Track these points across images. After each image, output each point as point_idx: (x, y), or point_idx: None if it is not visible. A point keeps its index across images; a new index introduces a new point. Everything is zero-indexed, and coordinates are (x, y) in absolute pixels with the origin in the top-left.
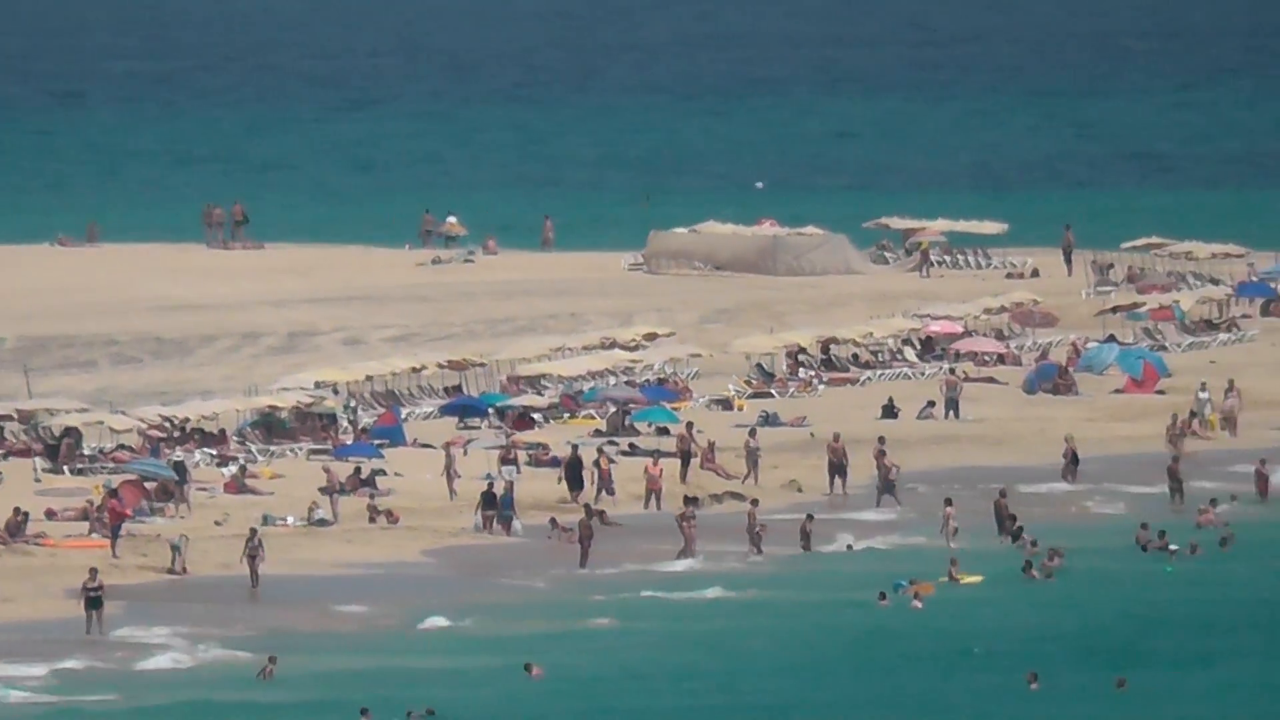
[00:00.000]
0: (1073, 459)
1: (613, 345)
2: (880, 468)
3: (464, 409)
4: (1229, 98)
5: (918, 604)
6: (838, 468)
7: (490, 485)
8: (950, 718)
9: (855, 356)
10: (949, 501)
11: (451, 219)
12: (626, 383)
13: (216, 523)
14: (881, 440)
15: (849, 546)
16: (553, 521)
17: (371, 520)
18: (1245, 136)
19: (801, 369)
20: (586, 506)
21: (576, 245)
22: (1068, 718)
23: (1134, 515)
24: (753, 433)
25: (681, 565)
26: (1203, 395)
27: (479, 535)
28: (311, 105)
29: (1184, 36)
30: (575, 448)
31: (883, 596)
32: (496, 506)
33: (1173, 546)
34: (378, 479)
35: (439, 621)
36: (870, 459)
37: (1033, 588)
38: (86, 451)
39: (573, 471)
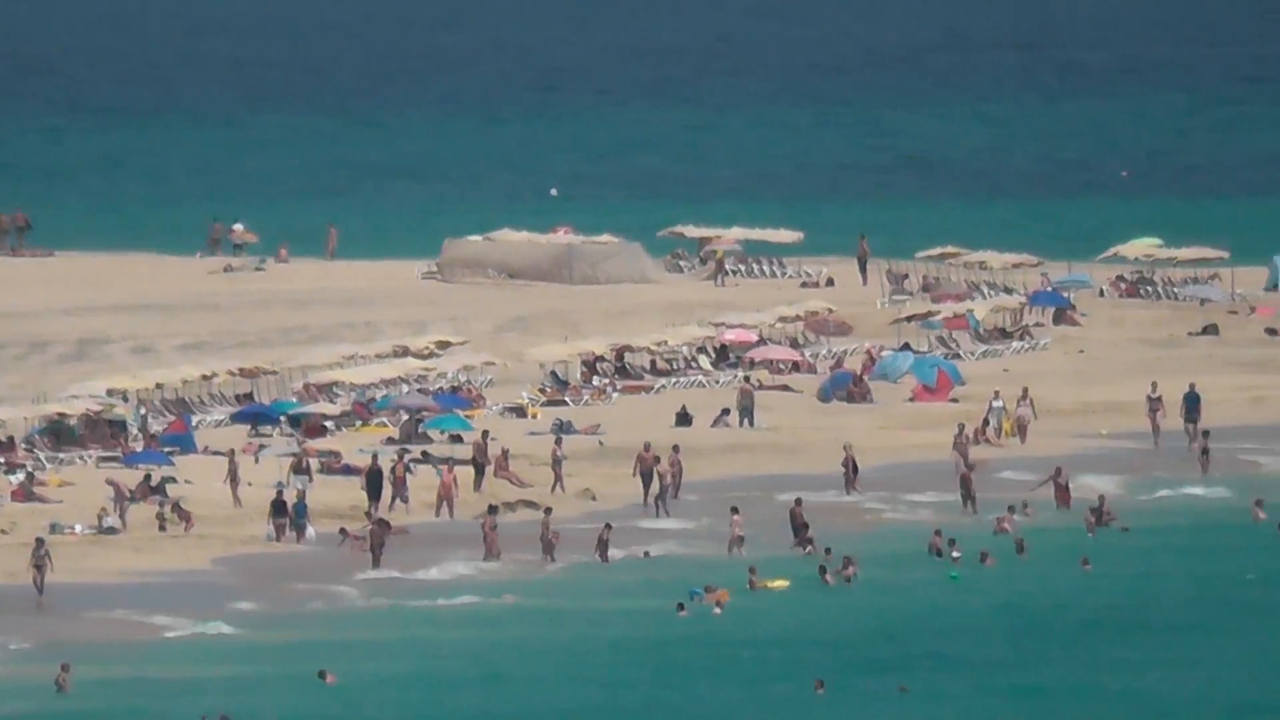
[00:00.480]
0: (852, 468)
1: (406, 353)
2: (655, 474)
3: (256, 416)
4: (1018, 110)
5: (718, 611)
6: (646, 477)
7: (280, 493)
8: None
9: (652, 364)
10: (735, 510)
11: (238, 226)
12: (419, 390)
13: (2, 531)
14: (676, 449)
15: (646, 554)
16: (343, 531)
17: (161, 528)
18: (1036, 147)
19: (596, 377)
20: (368, 513)
21: (365, 254)
22: None
23: (927, 523)
24: (558, 440)
25: (476, 572)
26: (996, 404)
27: (270, 543)
28: (96, 113)
29: (974, 50)
30: (375, 457)
31: (681, 607)
32: (288, 514)
33: (955, 554)
34: (167, 486)
35: (230, 629)
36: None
37: (827, 595)
38: None
39: (373, 482)
